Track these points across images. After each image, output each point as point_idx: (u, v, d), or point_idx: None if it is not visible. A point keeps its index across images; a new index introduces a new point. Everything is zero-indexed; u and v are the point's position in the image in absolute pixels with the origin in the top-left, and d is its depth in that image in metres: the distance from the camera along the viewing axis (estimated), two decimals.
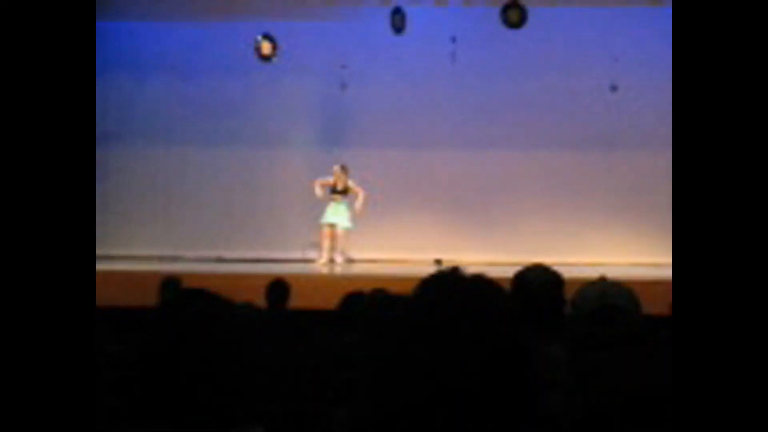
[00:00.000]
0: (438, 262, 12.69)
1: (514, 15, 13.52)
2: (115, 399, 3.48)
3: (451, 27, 13.93)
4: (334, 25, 14.32)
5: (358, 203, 13.43)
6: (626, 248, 13.91)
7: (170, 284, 7.89)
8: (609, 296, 2.88)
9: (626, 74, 13.71)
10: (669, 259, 5.69)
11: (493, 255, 13.19)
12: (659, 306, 5.92)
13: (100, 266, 11.95)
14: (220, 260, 13.91)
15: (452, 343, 1.58)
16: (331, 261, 13.54)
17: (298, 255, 13.97)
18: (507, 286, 3.40)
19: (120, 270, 11.81)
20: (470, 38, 13.97)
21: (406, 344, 1.57)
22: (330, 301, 6.44)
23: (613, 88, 13.73)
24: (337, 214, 13.45)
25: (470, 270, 1.72)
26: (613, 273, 4.41)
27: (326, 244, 13.57)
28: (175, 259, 13.81)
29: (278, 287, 7.82)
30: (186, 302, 2.23)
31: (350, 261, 13.82)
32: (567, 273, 3.78)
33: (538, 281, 3.59)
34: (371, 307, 5.08)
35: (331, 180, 13.47)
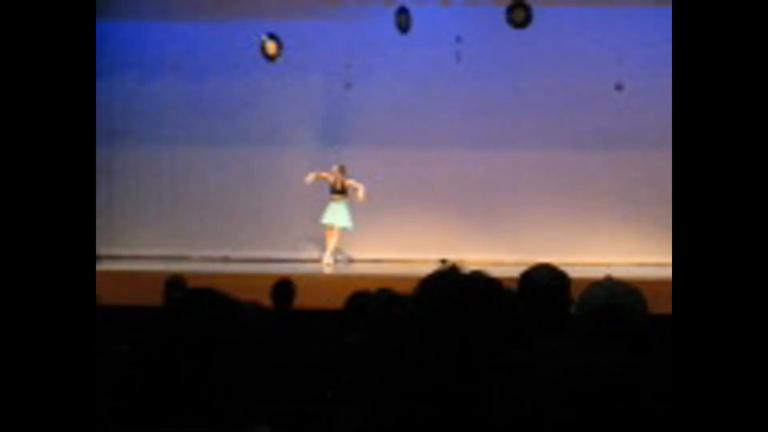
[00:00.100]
0: (443, 262, 12.69)
1: (519, 14, 13.51)
2: (120, 399, 3.47)
3: (456, 27, 13.91)
4: (339, 25, 14.32)
5: (360, 193, 13.45)
6: (632, 248, 13.90)
7: (175, 284, 7.89)
8: (616, 296, 2.87)
9: (631, 73, 13.69)
10: None
11: (498, 255, 13.18)
12: (666, 306, 5.90)
13: (106, 266, 11.99)
14: (226, 260, 13.92)
15: (451, 341, 1.57)
16: (335, 261, 13.62)
17: (303, 254, 13.99)
18: (512, 286, 3.40)
19: (125, 270, 11.82)
20: (475, 38, 13.95)
21: (406, 343, 1.57)
22: (336, 300, 6.44)
23: (619, 88, 13.71)
24: (336, 215, 13.50)
25: (473, 269, 1.72)
26: (618, 273, 4.40)
27: (329, 243, 13.67)
28: (180, 258, 13.83)
29: (284, 287, 7.81)
30: (192, 302, 2.22)
31: (351, 261, 13.89)
32: (572, 273, 3.77)
33: (544, 281, 3.59)
34: (377, 306, 5.08)
35: (325, 174, 13.51)
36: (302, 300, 8.05)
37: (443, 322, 1.56)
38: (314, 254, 13.95)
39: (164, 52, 14.57)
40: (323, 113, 14.73)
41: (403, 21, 13.45)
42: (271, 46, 13.87)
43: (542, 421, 1.28)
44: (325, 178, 13.56)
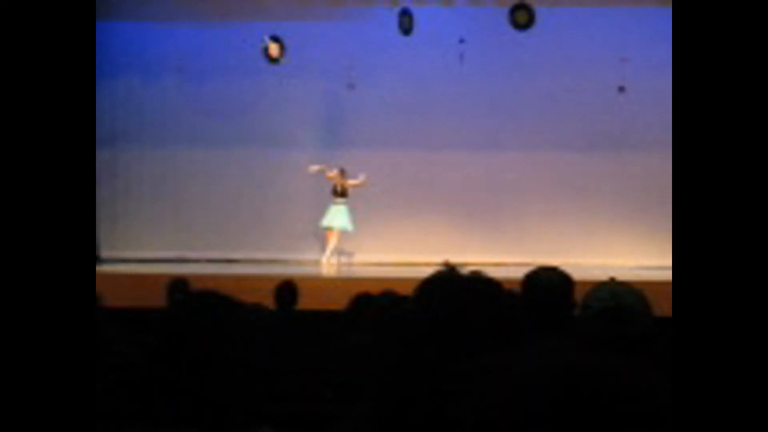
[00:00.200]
0: (446, 263, 12.67)
1: (522, 16, 13.51)
2: (123, 399, 3.47)
3: (459, 28, 13.92)
4: (342, 26, 14.32)
5: (362, 178, 13.48)
6: (635, 249, 13.89)
7: (178, 286, 7.89)
8: (619, 297, 2.87)
9: (634, 75, 13.69)
10: None
11: (501, 256, 13.19)
12: (668, 307, 5.90)
13: (109, 268, 12.00)
14: (229, 262, 13.93)
15: (451, 342, 1.57)
16: (338, 262, 13.70)
17: (306, 256, 14.01)
18: (516, 288, 3.40)
19: (129, 272, 11.82)
20: (478, 39, 13.96)
21: (407, 343, 1.57)
22: (339, 302, 6.44)
23: (621, 89, 13.70)
24: (335, 218, 13.53)
25: (472, 270, 1.72)
26: (622, 274, 4.40)
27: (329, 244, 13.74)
28: (183, 260, 13.83)
29: (287, 289, 7.81)
30: (195, 303, 2.22)
31: (350, 263, 13.97)
32: (576, 274, 3.77)
33: (548, 283, 3.58)
34: (380, 308, 5.08)
35: (329, 173, 13.55)
36: (305, 302, 8.05)
37: (442, 322, 1.56)
38: (317, 255, 13.96)
39: (166, 53, 14.57)
40: (326, 114, 14.73)
41: (407, 23, 13.46)
42: (273, 48, 13.87)
43: (513, 423, 1.27)
44: (325, 173, 13.59)
